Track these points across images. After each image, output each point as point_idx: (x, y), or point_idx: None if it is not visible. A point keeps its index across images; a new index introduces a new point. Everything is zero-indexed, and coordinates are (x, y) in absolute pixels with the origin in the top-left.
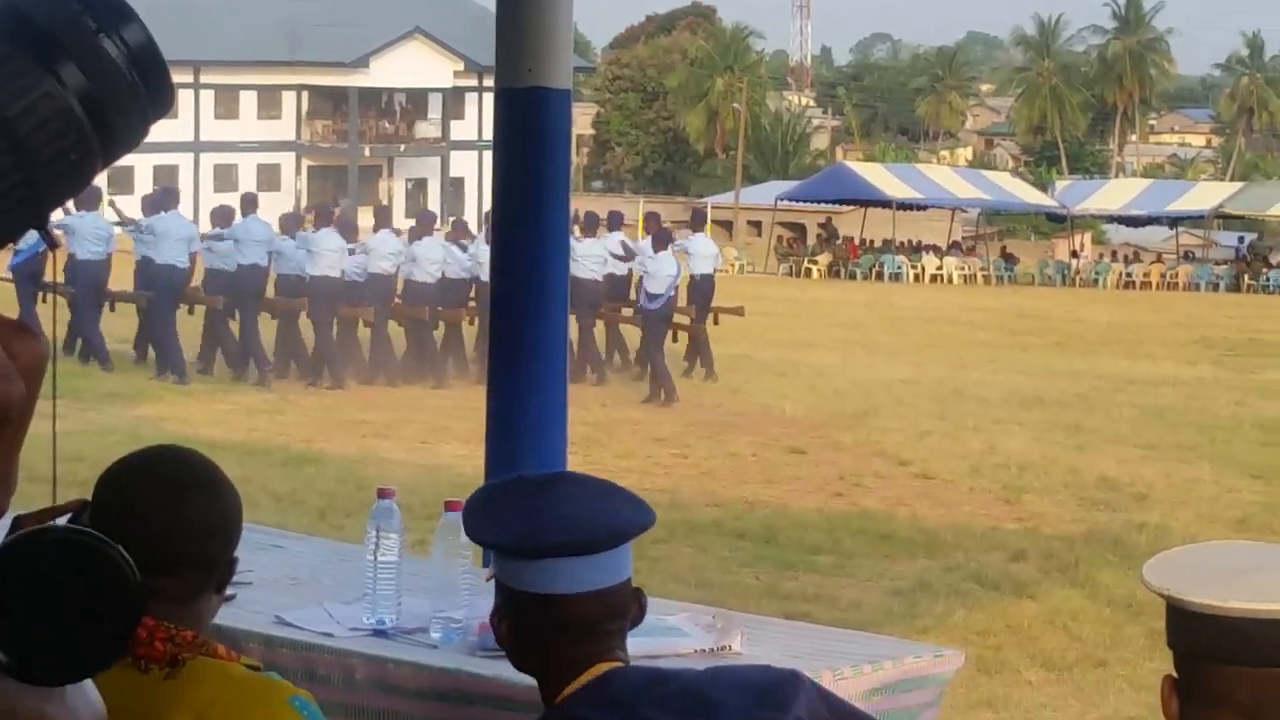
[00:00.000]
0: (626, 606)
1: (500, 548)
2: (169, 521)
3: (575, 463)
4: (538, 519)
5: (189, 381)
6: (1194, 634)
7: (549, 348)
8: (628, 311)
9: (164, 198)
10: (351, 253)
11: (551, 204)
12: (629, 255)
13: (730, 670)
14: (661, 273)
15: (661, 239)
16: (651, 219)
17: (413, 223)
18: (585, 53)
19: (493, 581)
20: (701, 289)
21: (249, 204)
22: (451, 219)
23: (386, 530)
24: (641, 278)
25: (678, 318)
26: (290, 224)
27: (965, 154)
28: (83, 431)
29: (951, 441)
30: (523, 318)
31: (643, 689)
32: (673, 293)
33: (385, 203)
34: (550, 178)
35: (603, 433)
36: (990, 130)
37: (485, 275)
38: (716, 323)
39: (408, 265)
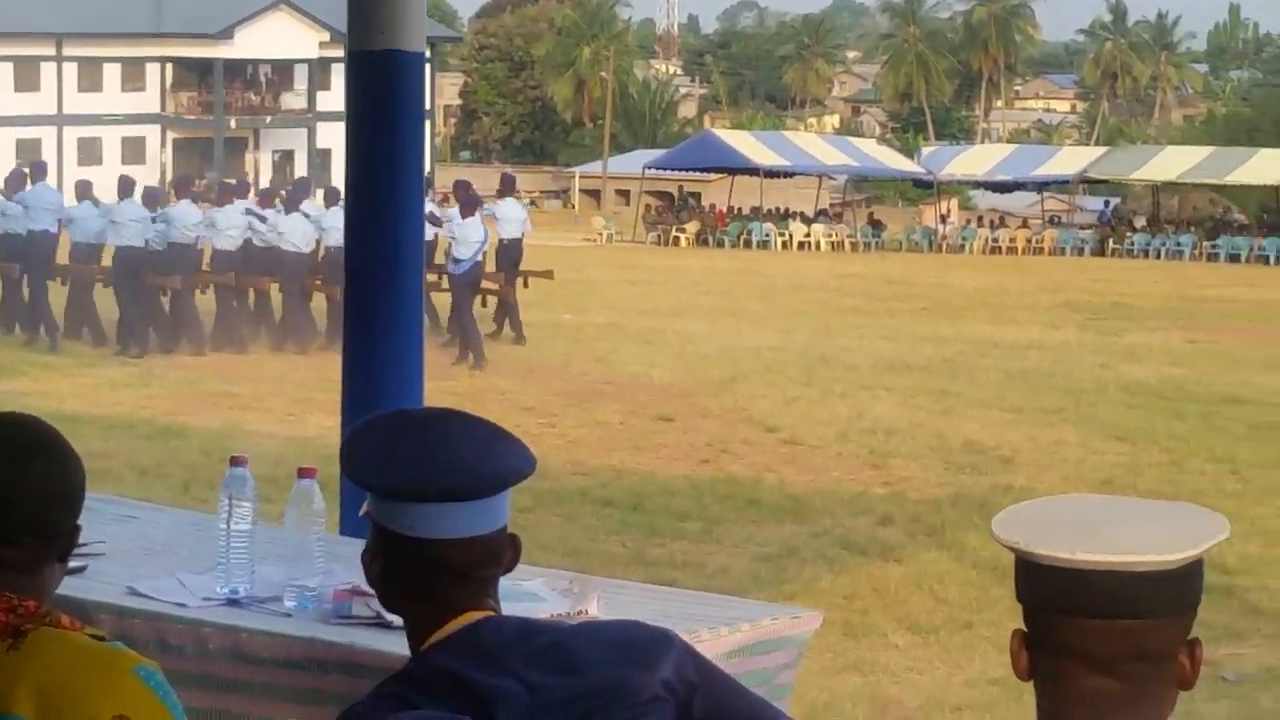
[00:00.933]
0: (502, 553)
1: (380, 489)
2: (9, 488)
3: None
4: (421, 462)
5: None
6: (1044, 587)
7: (404, 315)
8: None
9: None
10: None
11: (406, 169)
12: (436, 222)
13: (600, 626)
14: (469, 238)
15: (470, 205)
16: (460, 186)
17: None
18: (452, 22)
19: (364, 520)
20: (509, 253)
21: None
22: (321, 190)
23: (239, 499)
24: (450, 244)
25: (487, 283)
26: (152, 198)
27: (832, 121)
28: None
29: (818, 407)
30: (377, 285)
31: (511, 641)
32: (480, 258)
33: (250, 174)
34: (405, 142)
35: (469, 402)
36: (857, 98)
37: (287, 245)
38: (526, 286)
39: (209, 233)
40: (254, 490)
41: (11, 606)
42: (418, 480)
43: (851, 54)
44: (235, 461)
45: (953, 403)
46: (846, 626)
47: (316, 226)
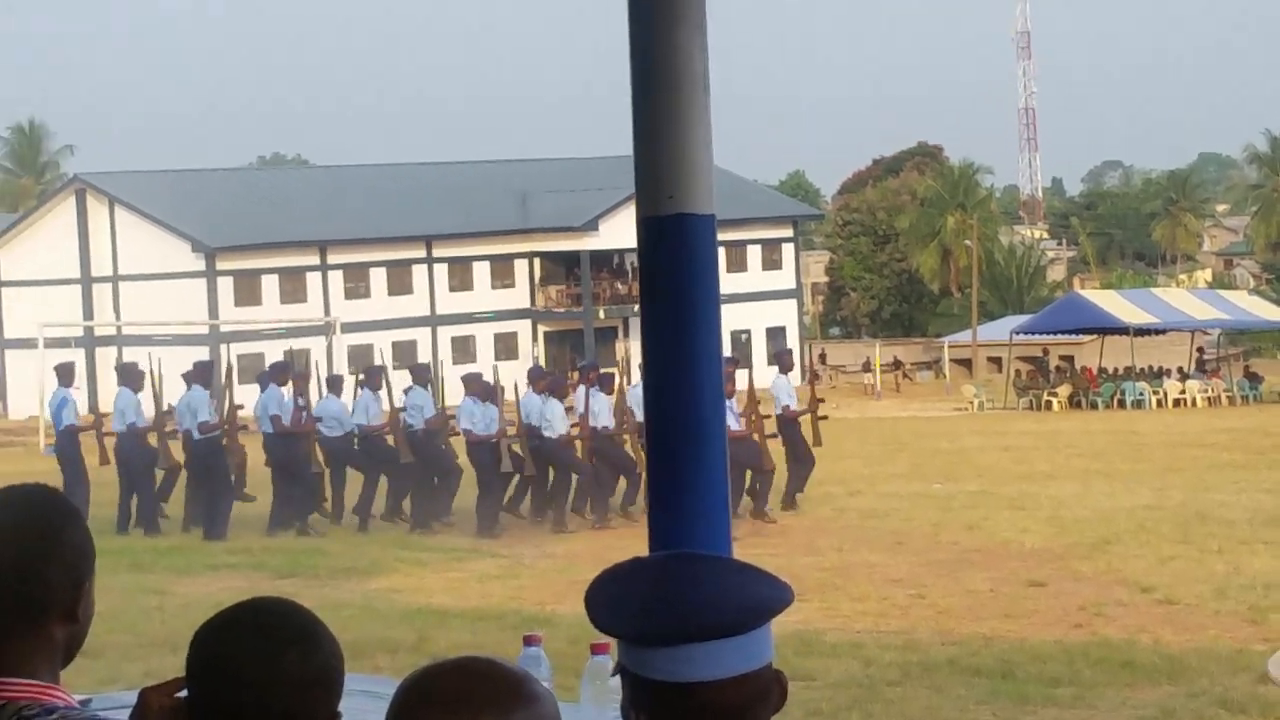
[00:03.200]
0: (768, 690)
1: (633, 636)
2: (265, 675)
3: (811, 609)
4: (672, 602)
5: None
6: None
7: (709, 485)
8: None
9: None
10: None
11: (702, 333)
12: None
13: None
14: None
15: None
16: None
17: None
18: (815, 200)
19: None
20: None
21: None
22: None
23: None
24: None
25: None
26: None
27: (1204, 276)
28: (316, 607)
29: (1195, 565)
30: (679, 453)
31: None
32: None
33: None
34: (699, 304)
35: (836, 576)
36: (1229, 250)
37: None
38: None
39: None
40: (549, 670)
41: None
42: (674, 620)
43: (1220, 207)
44: (529, 641)
45: None
46: None
47: None
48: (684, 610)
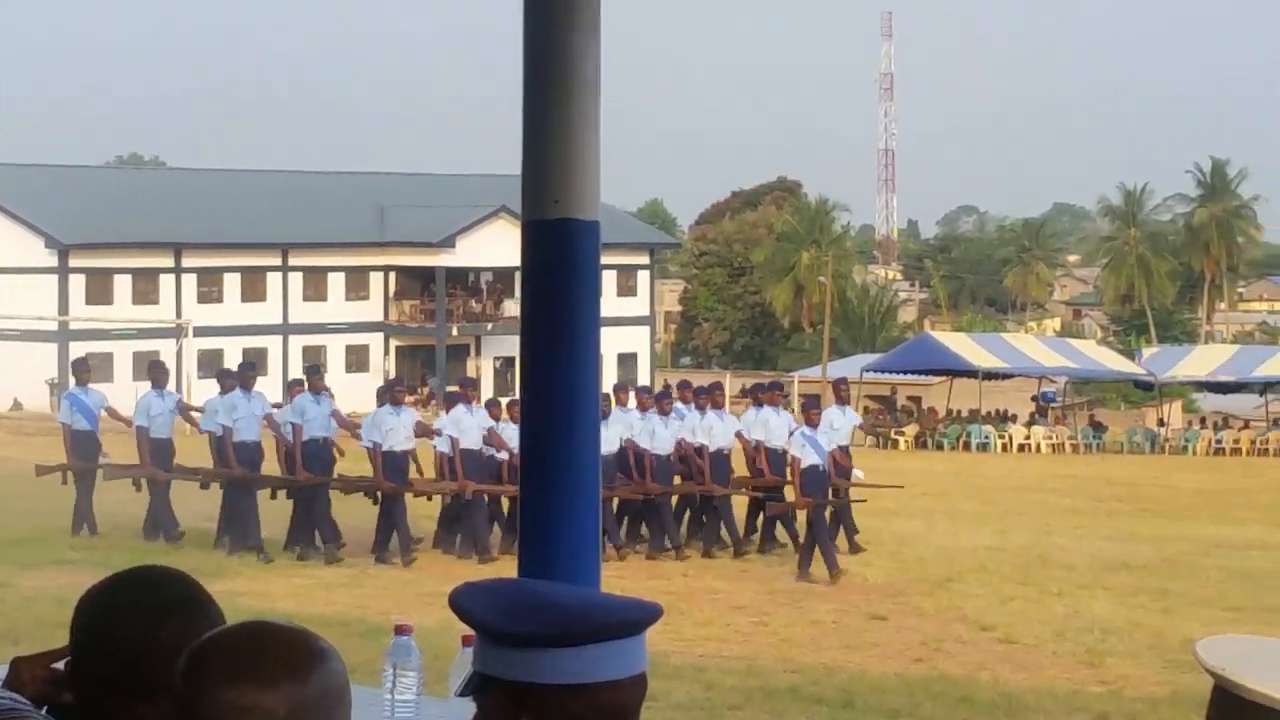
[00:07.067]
0: (644, 695)
1: (544, 637)
2: (143, 644)
3: (655, 632)
4: (575, 606)
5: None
6: None
7: (580, 484)
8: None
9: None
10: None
11: (582, 338)
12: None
13: None
14: None
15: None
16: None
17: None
18: (671, 229)
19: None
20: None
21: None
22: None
23: (404, 668)
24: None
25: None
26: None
27: (1053, 324)
28: None
29: (1035, 606)
30: (553, 444)
31: None
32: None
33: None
34: (580, 308)
35: (682, 601)
36: (1078, 300)
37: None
38: None
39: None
40: (419, 660)
41: None
42: (589, 618)
43: (1072, 257)
44: (400, 630)
45: (1173, 602)
46: None
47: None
48: (587, 608)
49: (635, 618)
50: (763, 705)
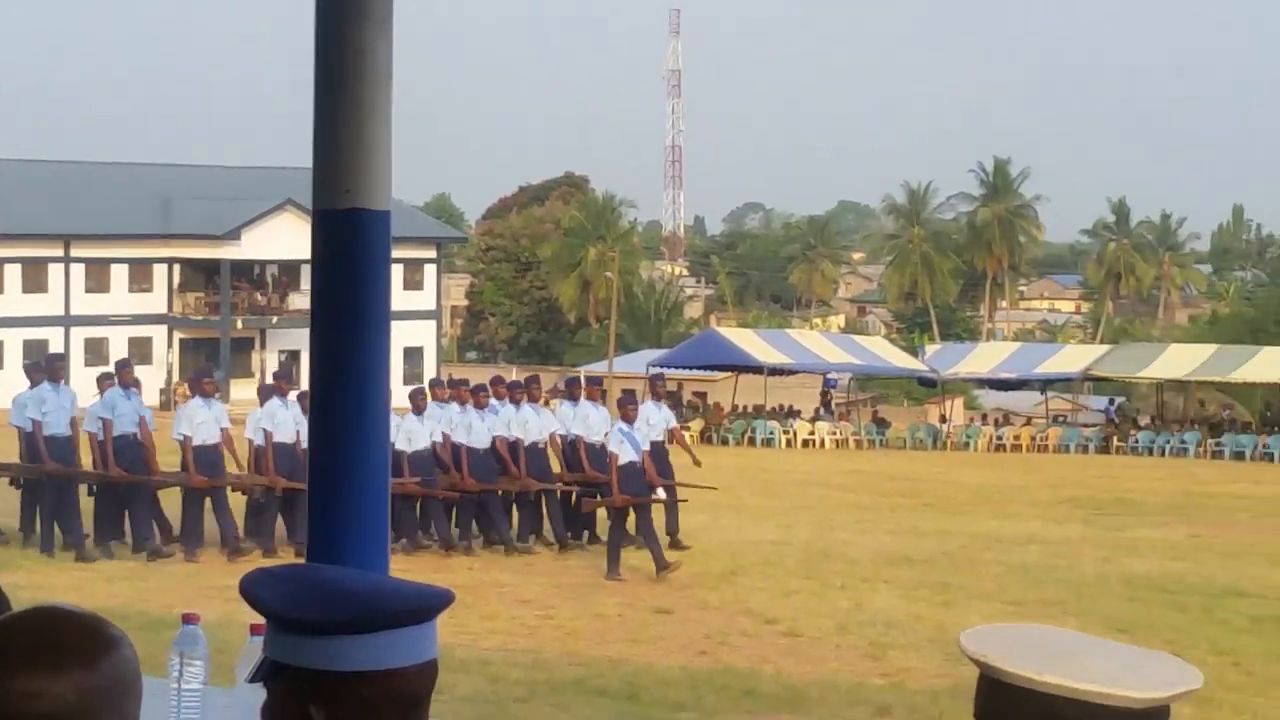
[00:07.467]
0: (435, 682)
1: (333, 624)
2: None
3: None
4: (364, 593)
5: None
6: (1005, 706)
7: (369, 474)
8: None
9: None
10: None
11: (372, 325)
12: None
13: None
14: None
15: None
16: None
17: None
18: (458, 224)
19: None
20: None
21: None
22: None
23: (191, 656)
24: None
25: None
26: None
27: (838, 321)
28: None
29: (818, 600)
30: (341, 437)
31: None
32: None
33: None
34: (370, 301)
35: (467, 594)
36: (862, 298)
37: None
38: None
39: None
40: (206, 649)
41: None
42: (384, 603)
43: (857, 255)
44: (188, 619)
45: (953, 595)
46: None
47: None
48: (376, 595)
49: (425, 604)
50: (548, 698)
